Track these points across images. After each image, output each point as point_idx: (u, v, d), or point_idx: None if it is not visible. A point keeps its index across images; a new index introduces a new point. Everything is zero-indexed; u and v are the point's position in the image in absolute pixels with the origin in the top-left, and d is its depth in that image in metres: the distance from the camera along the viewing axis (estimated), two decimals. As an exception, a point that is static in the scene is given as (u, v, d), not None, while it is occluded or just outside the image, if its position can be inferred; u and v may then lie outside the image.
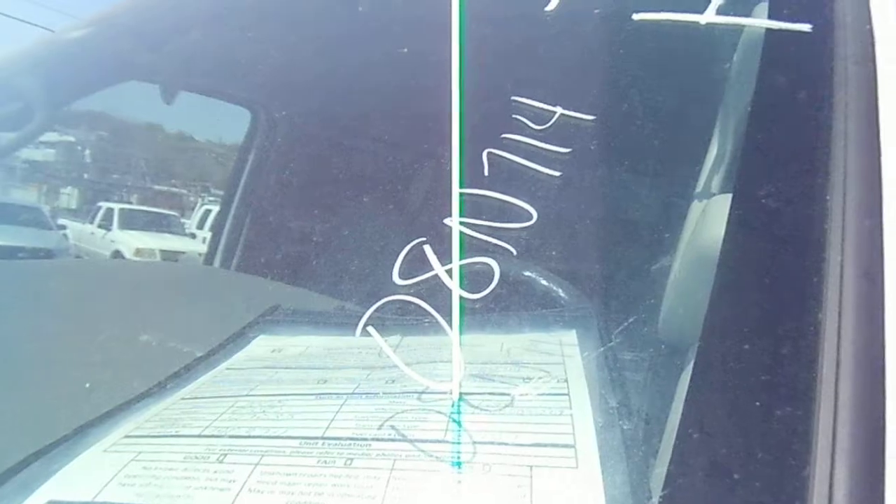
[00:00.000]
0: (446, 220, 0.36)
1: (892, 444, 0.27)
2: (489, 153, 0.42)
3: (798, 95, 0.43)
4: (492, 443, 0.33)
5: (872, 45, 0.46)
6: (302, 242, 0.67)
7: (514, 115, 0.44)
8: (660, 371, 0.38)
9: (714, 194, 0.47)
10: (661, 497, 0.26)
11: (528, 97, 0.45)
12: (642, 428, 0.33)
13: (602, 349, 0.38)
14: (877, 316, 0.32)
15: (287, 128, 0.96)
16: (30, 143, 1.13)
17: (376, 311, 0.38)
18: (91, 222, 1.57)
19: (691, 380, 0.29)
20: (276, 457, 0.33)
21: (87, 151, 1.49)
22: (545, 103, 0.44)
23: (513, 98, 0.45)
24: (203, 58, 0.98)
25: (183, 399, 0.42)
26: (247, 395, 0.41)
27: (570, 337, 0.44)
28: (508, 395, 0.37)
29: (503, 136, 0.43)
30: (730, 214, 0.36)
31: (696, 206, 0.47)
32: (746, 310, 0.32)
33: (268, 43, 0.86)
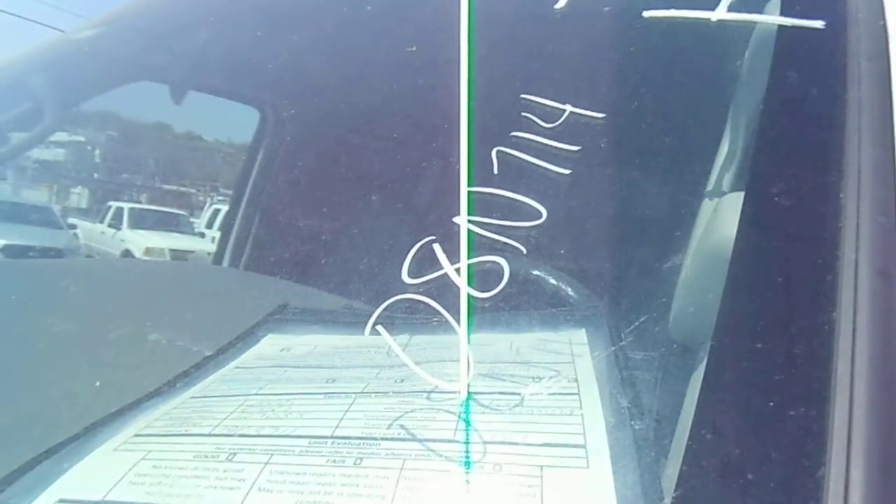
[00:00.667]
0: (455, 219, 0.36)
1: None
2: (498, 151, 0.42)
3: (811, 92, 0.43)
4: (502, 442, 0.33)
5: (886, 41, 0.45)
6: (311, 241, 0.67)
7: (523, 113, 0.44)
8: (671, 370, 0.38)
9: (726, 192, 0.47)
10: (673, 498, 0.25)
11: (537, 95, 0.45)
12: (654, 428, 0.33)
13: (612, 348, 0.38)
14: (892, 314, 0.31)
15: (296, 127, 0.96)
16: (41, 143, 1.14)
17: (385, 309, 0.38)
18: (101, 222, 1.58)
19: (704, 379, 0.29)
20: (285, 456, 0.33)
21: (97, 151, 1.50)
22: (555, 101, 0.44)
23: (522, 96, 0.45)
24: (213, 58, 0.99)
25: (192, 398, 0.42)
26: (256, 394, 0.41)
27: (580, 336, 0.43)
28: (518, 394, 0.37)
29: (513, 134, 0.43)
30: (742, 212, 0.36)
31: (707, 205, 0.47)
32: (759, 308, 0.32)
33: (277, 42, 0.86)
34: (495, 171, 0.41)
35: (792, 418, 0.27)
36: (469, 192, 0.37)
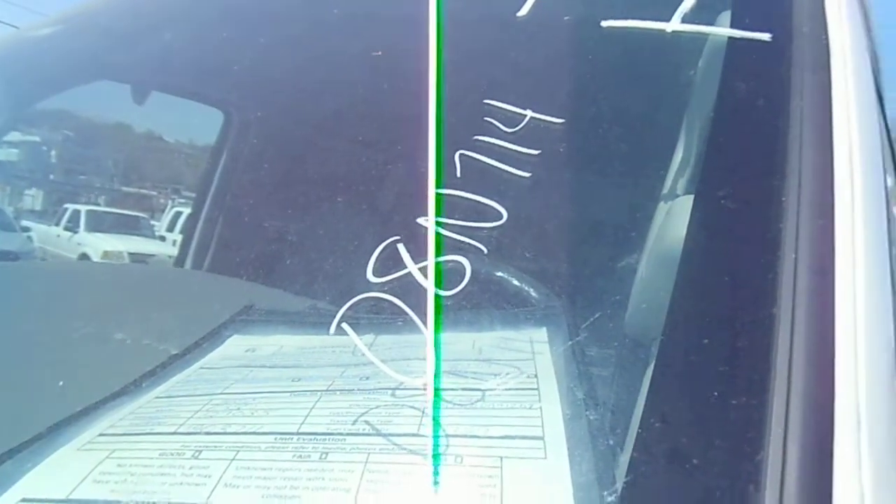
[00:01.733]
0: (420, 220, 0.37)
1: (840, 429, 0.28)
2: (461, 154, 0.43)
3: (757, 102, 0.45)
4: (464, 436, 0.34)
5: (828, 54, 0.48)
6: (275, 243, 0.67)
7: (485, 118, 0.46)
8: (625, 365, 0.39)
9: (679, 196, 0.49)
10: (624, 483, 0.27)
11: (499, 100, 0.46)
12: (608, 419, 0.34)
13: (571, 345, 0.40)
14: (828, 310, 0.33)
15: (260, 128, 0.96)
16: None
17: (350, 310, 0.38)
18: (57, 224, 1.53)
19: (653, 372, 0.31)
20: (251, 452, 0.34)
21: (53, 152, 1.46)
22: (516, 106, 0.46)
23: (485, 101, 0.47)
24: (175, 57, 0.98)
25: (157, 398, 0.42)
26: (221, 394, 0.42)
27: (541, 334, 0.45)
28: (480, 390, 0.38)
29: (475, 137, 0.44)
30: (691, 215, 0.38)
31: (662, 207, 0.49)
32: (706, 305, 0.33)
33: (241, 43, 0.86)
34: (458, 174, 0.42)
35: (734, 407, 0.29)
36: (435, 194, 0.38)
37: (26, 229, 1.44)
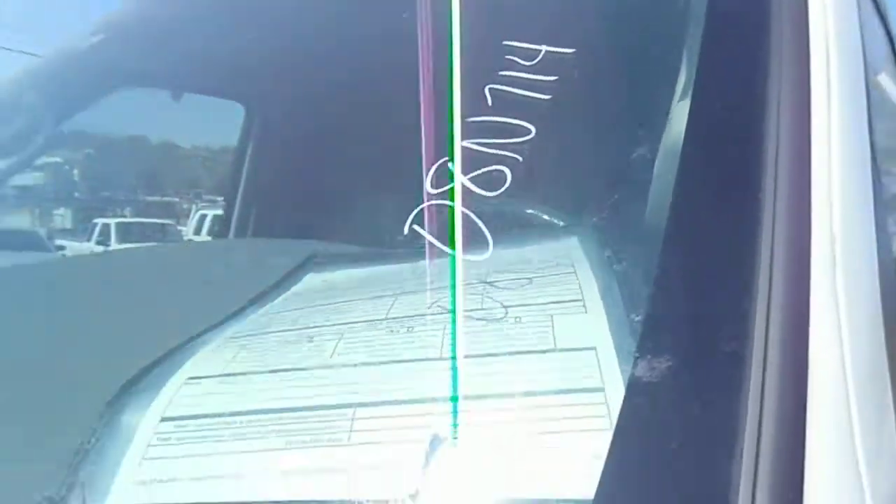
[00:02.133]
0: (464, 143, 0.45)
1: (815, 302, 0.36)
2: (490, 88, 0.51)
3: (742, 25, 0.52)
4: (519, 304, 0.42)
5: None
6: (325, 186, 0.75)
7: (506, 56, 0.53)
8: (645, 246, 0.47)
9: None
10: (647, 309, 0.35)
11: (517, 40, 0.54)
12: (633, 278, 0.43)
13: (598, 231, 0.48)
14: (805, 190, 0.41)
15: (292, 101, 1.02)
16: (27, 167, 1.11)
17: (413, 225, 0.47)
18: (88, 240, 1.55)
19: (663, 243, 0.38)
20: (352, 333, 0.43)
21: (76, 170, 1.44)
22: (532, 43, 0.53)
23: (504, 42, 0.54)
24: (189, 58, 1.00)
25: (261, 315, 0.51)
26: (313, 306, 0.51)
27: (574, 241, 0.53)
28: (528, 278, 0.47)
29: (500, 73, 0.52)
30: (689, 115, 0.45)
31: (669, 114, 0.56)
32: (702, 185, 0.41)
33: (260, 38, 0.91)
34: (489, 104, 0.50)
35: (727, 273, 0.36)
36: (470, 121, 0.46)
37: (60, 248, 1.48)
